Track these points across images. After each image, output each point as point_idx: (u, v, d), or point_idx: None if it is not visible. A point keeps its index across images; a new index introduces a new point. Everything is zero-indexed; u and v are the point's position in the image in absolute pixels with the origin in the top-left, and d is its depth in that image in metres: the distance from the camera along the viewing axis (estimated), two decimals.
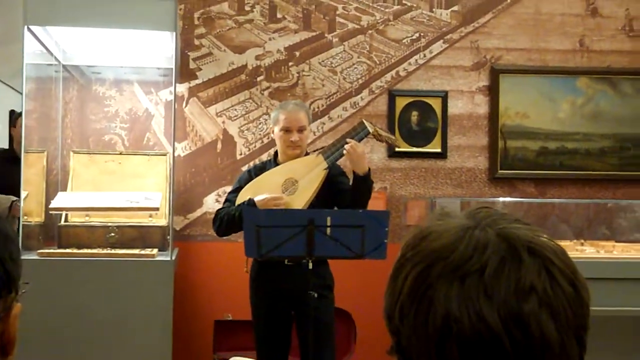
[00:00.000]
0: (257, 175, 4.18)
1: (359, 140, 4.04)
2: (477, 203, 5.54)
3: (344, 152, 3.98)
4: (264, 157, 5.37)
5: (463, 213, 1.03)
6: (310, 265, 3.69)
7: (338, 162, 4.15)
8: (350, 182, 4.07)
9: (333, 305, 4.16)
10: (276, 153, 4.25)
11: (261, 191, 4.00)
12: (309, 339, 3.93)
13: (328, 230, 3.66)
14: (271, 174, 4.14)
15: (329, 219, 3.66)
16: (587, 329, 0.96)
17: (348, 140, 4.00)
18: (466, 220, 1.00)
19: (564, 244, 4.70)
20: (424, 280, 0.95)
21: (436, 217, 1.03)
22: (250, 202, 3.98)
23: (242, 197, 4.08)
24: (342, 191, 4.09)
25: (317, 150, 4.35)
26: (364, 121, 4.15)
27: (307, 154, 4.22)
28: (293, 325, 4.12)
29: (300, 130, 4.11)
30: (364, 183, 3.97)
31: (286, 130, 4.09)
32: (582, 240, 4.94)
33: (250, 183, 4.13)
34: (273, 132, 4.22)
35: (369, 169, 4.01)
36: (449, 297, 0.92)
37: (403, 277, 0.98)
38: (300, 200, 3.99)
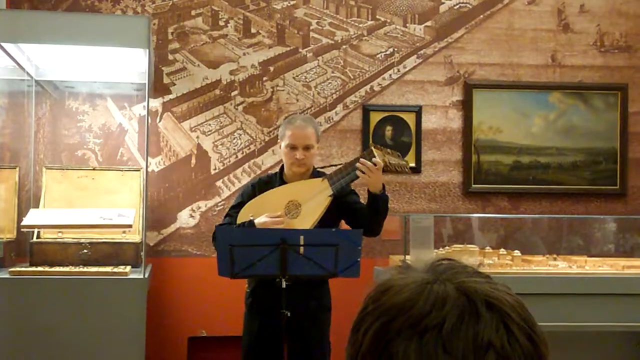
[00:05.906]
0: (260, 190, 4.09)
1: None
2: (451, 219, 5.57)
3: (357, 174, 3.83)
4: (246, 167, 5.38)
5: (424, 265, 1.03)
6: (284, 285, 3.69)
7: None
8: (363, 199, 4.02)
9: (328, 326, 4.10)
10: (282, 168, 4.16)
11: (263, 211, 3.91)
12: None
13: (301, 249, 3.66)
14: (274, 193, 4.04)
15: (302, 238, 3.67)
16: None
17: (359, 165, 3.80)
18: (426, 274, 1.01)
19: (536, 258, 4.78)
20: (384, 335, 0.95)
21: (398, 270, 1.04)
22: (251, 224, 3.90)
23: (243, 215, 4.01)
24: (356, 210, 4.01)
25: (324, 167, 4.28)
26: (373, 149, 3.90)
27: (314, 170, 4.14)
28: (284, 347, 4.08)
29: (307, 147, 3.99)
30: (380, 201, 3.88)
31: (292, 147, 3.99)
32: (555, 255, 4.97)
33: (252, 201, 4.04)
34: (280, 146, 4.14)
35: (383, 185, 3.93)
36: (408, 353, 0.92)
37: (363, 331, 0.98)
38: (302, 225, 3.88)
